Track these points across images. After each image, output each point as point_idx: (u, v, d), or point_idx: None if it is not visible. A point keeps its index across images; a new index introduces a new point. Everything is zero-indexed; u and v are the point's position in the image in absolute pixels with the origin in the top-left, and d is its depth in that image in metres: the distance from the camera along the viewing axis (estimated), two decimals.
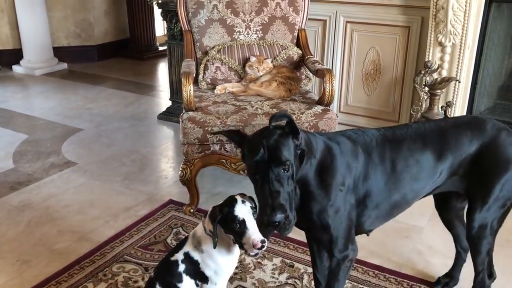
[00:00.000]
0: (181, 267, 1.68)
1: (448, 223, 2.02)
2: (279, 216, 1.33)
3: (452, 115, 2.76)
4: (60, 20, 5.89)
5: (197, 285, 1.70)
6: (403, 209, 1.74)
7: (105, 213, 2.64)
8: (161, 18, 3.92)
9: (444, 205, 1.97)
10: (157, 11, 6.82)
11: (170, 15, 3.79)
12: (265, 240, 1.54)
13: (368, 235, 1.77)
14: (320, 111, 2.54)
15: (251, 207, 1.59)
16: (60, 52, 5.87)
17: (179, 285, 1.68)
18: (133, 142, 3.67)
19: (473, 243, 1.77)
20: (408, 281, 2.10)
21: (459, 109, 2.84)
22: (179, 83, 3.99)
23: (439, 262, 2.25)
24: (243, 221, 1.55)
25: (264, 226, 1.38)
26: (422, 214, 2.63)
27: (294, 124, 1.41)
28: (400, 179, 1.64)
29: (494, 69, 3.04)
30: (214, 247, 1.60)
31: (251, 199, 1.65)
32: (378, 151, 1.62)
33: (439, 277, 2.09)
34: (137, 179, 3.06)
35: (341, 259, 1.59)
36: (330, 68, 3.08)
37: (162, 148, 3.60)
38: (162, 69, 6.18)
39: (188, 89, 2.46)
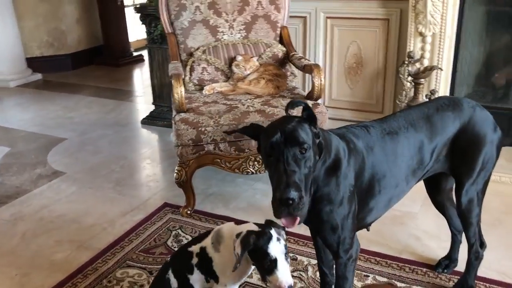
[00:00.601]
0: (195, 260, 1.69)
1: (440, 206, 2.09)
2: (293, 193, 1.29)
3: None
4: (32, 30, 5.78)
5: (207, 281, 1.70)
6: (401, 198, 1.79)
7: (101, 220, 2.61)
8: (140, 23, 3.89)
9: (435, 189, 2.05)
10: (130, 17, 6.81)
11: (149, 19, 3.77)
12: (292, 285, 1.51)
13: (368, 230, 1.82)
14: (311, 106, 2.57)
15: (285, 246, 1.55)
16: (33, 63, 5.76)
17: (189, 276, 1.69)
18: (119, 148, 3.64)
19: (464, 216, 1.86)
20: (409, 266, 2.16)
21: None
22: (161, 87, 3.98)
23: (436, 245, 2.31)
24: (275, 260, 1.51)
25: (277, 204, 1.32)
26: (414, 200, 2.70)
27: (311, 111, 1.41)
28: (401, 168, 1.68)
29: (471, 57, 3.14)
30: (233, 271, 1.57)
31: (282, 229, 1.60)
32: (380, 145, 1.65)
33: (440, 260, 2.15)
34: (128, 185, 3.04)
35: (347, 259, 1.61)
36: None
37: (149, 153, 3.58)
38: (139, 75, 6.15)
39: (180, 91, 2.46)
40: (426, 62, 2.89)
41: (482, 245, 1.95)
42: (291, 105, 1.45)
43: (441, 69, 2.82)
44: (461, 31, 2.94)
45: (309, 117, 1.41)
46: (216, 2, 3.01)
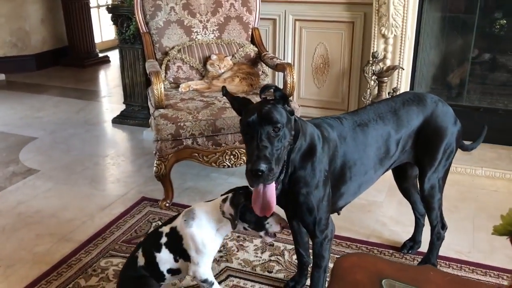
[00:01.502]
0: (163, 239, 1.80)
1: (405, 192, 2.28)
2: (262, 165, 1.43)
3: None
4: None
5: (176, 260, 1.80)
6: (370, 185, 1.96)
7: (80, 214, 2.66)
8: (108, 23, 3.94)
9: (401, 177, 2.23)
10: (96, 18, 6.80)
11: (121, 19, 3.83)
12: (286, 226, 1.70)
13: (339, 214, 1.97)
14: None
15: None
16: None
17: (156, 254, 1.79)
18: (92, 146, 3.68)
19: (427, 201, 2.06)
20: (377, 248, 2.33)
21: None
22: (132, 87, 4.05)
23: (401, 230, 2.51)
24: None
25: (249, 175, 1.47)
26: (379, 190, 2.90)
27: (282, 91, 1.56)
28: (370, 157, 1.84)
29: (428, 58, 3.38)
30: (234, 228, 1.73)
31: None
32: (352, 135, 1.80)
33: (405, 242, 2.34)
34: (104, 181, 3.10)
35: (323, 239, 1.75)
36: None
37: (122, 150, 3.63)
38: (105, 76, 6.15)
39: (159, 87, 2.56)
40: (388, 62, 3.10)
41: (443, 227, 2.15)
42: (263, 90, 1.60)
43: (402, 68, 3.03)
44: (419, 34, 3.17)
45: (281, 97, 1.55)
46: (191, 3, 3.12)
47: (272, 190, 1.54)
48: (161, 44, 3.09)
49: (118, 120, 4.14)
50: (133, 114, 4.09)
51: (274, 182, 1.53)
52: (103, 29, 7.29)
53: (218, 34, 3.18)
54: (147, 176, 3.12)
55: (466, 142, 2.16)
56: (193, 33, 3.13)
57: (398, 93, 3.05)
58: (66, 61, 6.27)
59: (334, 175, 1.76)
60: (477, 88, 3.34)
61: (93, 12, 6.56)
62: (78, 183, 3.04)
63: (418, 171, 2.05)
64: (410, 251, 2.30)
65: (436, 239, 2.13)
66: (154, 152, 3.43)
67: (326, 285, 1.83)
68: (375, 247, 2.34)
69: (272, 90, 1.58)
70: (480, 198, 2.82)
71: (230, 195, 1.78)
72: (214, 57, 3.00)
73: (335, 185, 1.78)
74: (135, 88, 4.02)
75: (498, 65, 3.33)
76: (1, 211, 2.70)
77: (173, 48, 3.06)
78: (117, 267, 2.18)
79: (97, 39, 6.74)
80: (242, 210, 1.70)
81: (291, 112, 1.57)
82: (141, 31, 3.14)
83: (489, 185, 2.92)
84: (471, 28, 3.19)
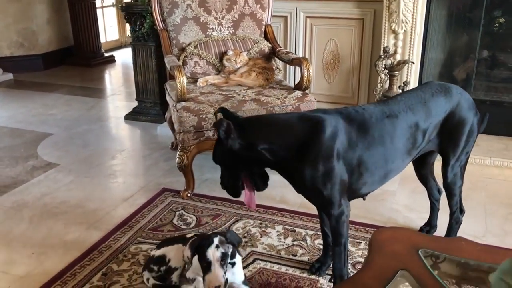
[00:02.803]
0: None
1: (423, 178, 2.38)
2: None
3: None
4: (2, 29, 5.77)
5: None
6: (397, 173, 2.04)
7: (104, 204, 2.75)
8: (125, 21, 4.03)
9: (421, 163, 2.33)
10: (101, 18, 6.87)
11: (134, 17, 3.92)
12: (220, 286, 1.68)
13: (364, 199, 2.08)
14: (301, 95, 2.83)
15: (223, 253, 1.72)
16: (3, 63, 5.74)
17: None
18: (107, 141, 3.76)
19: (449, 188, 2.16)
20: None
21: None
22: (145, 83, 4.13)
23: (416, 216, 2.61)
24: (210, 263, 1.71)
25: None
26: (392, 180, 2.94)
27: (223, 121, 1.76)
28: (398, 148, 1.91)
29: (436, 54, 3.49)
30: (186, 271, 1.83)
31: (232, 237, 1.78)
32: (378, 126, 1.86)
33: (421, 227, 2.44)
34: (123, 174, 3.18)
35: (338, 215, 1.83)
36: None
37: (138, 145, 3.72)
38: (112, 75, 6.23)
39: (182, 81, 2.65)
40: (398, 57, 3.21)
41: (462, 211, 2.26)
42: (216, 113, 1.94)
43: (413, 62, 3.14)
44: (427, 30, 3.28)
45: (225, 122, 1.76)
46: (206, 1, 3.21)
47: None
48: (178, 41, 3.18)
49: (131, 117, 4.22)
50: (146, 111, 4.17)
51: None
52: (108, 29, 7.37)
53: (233, 30, 3.27)
54: (165, 169, 3.21)
55: None
56: (208, 30, 3.23)
57: (408, 87, 3.16)
58: (72, 60, 6.34)
59: (353, 164, 1.82)
60: (483, 82, 3.46)
61: (100, 12, 6.63)
62: (98, 176, 3.12)
63: (442, 160, 2.13)
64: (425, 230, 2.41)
65: (455, 223, 2.24)
66: (170, 146, 3.55)
67: (347, 263, 1.93)
68: None
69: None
70: (489, 187, 2.93)
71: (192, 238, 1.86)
72: (230, 52, 3.10)
73: (358, 173, 1.85)
74: (148, 85, 4.10)
75: (503, 60, 3.45)
76: (27, 203, 2.78)
77: (189, 44, 3.15)
78: (146, 253, 2.26)
79: (102, 39, 6.81)
80: (198, 253, 1.75)
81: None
82: (158, 28, 3.23)
83: (497, 175, 3.03)
84: (477, 25, 3.31)
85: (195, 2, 3.19)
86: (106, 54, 6.65)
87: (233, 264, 1.83)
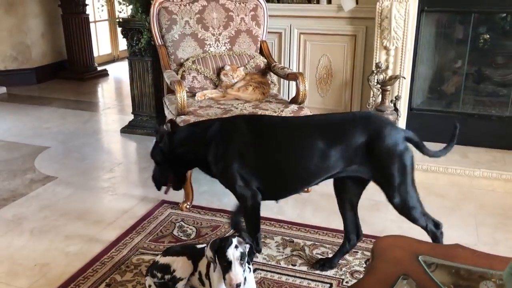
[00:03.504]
0: None
1: (341, 207, 2.26)
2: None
3: (399, 108, 3.26)
4: None
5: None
6: (305, 185, 2.24)
7: (104, 216, 2.79)
8: (122, 36, 4.10)
9: (341, 191, 2.24)
10: (94, 33, 6.93)
11: (131, 33, 3.99)
12: (240, 284, 1.75)
13: (277, 202, 2.45)
14: (297, 109, 2.91)
15: (242, 253, 1.79)
16: None
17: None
18: (104, 154, 3.80)
19: (406, 216, 2.11)
20: None
21: (404, 102, 3.36)
22: (141, 97, 4.19)
23: (408, 226, 2.66)
24: (230, 262, 1.77)
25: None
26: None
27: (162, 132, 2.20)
28: (302, 160, 2.02)
29: (425, 69, 3.61)
30: (214, 271, 1.87)
31: (248, 238, 1.86)
32: (279, 134, 2.09)
33: (318, 259, 2.34)
34: (122, 186, 3.22)
35: (241, 201, 2.14)
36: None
37: (135, 158, 3.77)
38: (106, 88, 6.28)
39: (182, 95, 2.72)
40: (389, 72, 3.31)
41: (437, 225, 2.14)
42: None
43: (404, 77, 3.25)
44: (417, 46, 3.40)
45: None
46: (204, 18, 3.30)
47: None
48: (176, 56, 3.25)
49: (127, 130, 4.27)
50: (142, 124, 4.23)
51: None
52: (100, 43, 7.43)
53: (229, 46, 3.36)
54: None
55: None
56: (206, 46, 3.31)
57: (400, 101, 3.26)
58: (65, 74, 6.38)
59: (255, 166, 2.08)
60: (471, 96, 3.58)
61: (93, 26, 6.69)
62: (97, 188, 3.16)
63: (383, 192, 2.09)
64: (320, 268, 2.28)
65: (434, 238, 2.13)
66: None
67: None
68: None
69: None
70: (479, 198, 3.03)
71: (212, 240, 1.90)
72: (227, 67, 3.18)
73: (261, 176, 2.09)
74: (144, 99, 4.17)
75: (489, 75, 3.58)
76: (27, 216, 2.81)
77: (187, 59, 3.22)
78: (148, 263, 2.30)
79: (95, 53, 6.87)
80: (217, 254, 1.80)
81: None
82: (157, 44, 3.30)
83: (486, 185, 3.13)
84: (465, 41, 3.43)
85: (193, 19, 3.28)
86: (99, 68, 6.70)
87: (249, 269, 1.90)
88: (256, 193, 2.11)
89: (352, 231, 2.27)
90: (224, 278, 1.80)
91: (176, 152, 2.22)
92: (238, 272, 1.77)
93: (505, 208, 2.89)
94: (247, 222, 2.19)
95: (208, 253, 1.86)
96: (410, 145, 2.06)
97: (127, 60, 4.19)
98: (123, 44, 7.95)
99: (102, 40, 7.53)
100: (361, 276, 2.22)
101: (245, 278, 1.79)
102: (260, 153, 2.08)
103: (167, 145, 2.20)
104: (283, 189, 2.17)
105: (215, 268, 1.86)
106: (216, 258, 1.82)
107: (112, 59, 7.68)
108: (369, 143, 1.97)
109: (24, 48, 6.00)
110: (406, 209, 2.08)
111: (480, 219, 2.77)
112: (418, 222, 2.12)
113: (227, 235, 1.99)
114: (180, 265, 2.00)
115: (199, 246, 2.14)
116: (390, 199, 2.08)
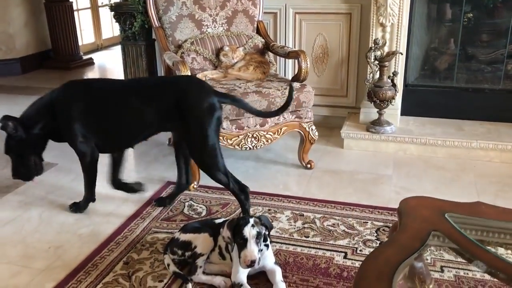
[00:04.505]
0: None
1: (176, 156, 2.62)
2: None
3: (397, 83, 3.32)
4: None
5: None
6: (134, 140, 2.50)
7: (112, 199, 2.78)
8: (114, 20, 4.05)
9: (177, 145, 2.60)
10: (78, 21, 6.81)
11: (124, 17, 3.95)
12: (255, 261, 1.83)
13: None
14: (299, 86, 2.94)
15: (258, 232, 1.86)
16: None
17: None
18: None
19: (207, 172, 2.37)
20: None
21: (400, 78, 3.42)
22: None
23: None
24: (246, 240, 1.84)
25: None
26: (387, 165, 3.16)
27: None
28: (120, 118, 2.35)
29: (418, 46, 3.67)
30: (232, 250, 1.93)
31: (265, 221, 1.94)
32: (108, 96, 2.37)
33: (158, 198, 2.74)
34: (126, 170, 3.14)
35: (81, 157, 2.50)
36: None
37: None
38: (92, 77, 6.19)
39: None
40: (386, 49, 3.36)
41: (243, 188, 2.37)
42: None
43: (401, 53, 3.30)
44: (411, 22, 3.45)
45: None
46: None
47: None
48: (174, 38, 3.24)
49: None
50: None
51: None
52: (83, 32, 7.31)
53: (227, 27, 3.36)
54: (165, 164, 3.26)
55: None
56: (203, 27, 3.30)
57: (397, 77, 3.32)
58: (50, 64, 6.27)
59: (90, 124, 2.38)
60: (465, 71, 3.66)
61: (76, 14, 6.58)
62: (99, 173, 3.12)
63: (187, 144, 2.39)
64: (157, 205, 2.68)
65: (239, 200, 2.39)
66: (167, 142, 3.60)
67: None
68: (395, 212, 2.57)
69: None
70: (477, 168, 3.12)
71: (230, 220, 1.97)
72: (227, 48, 3.18)
73: (92, 133, 2.42)
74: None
75: (482, 52, 3.66)
76: (34, 201, 2.79)
77: (185, 41, 3.21)
78: (164, 241, 2.32)
79: (80, 42, 6.77)
80: (234, 232, 1.87)
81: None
82: (154, 25, 3.28)
83: (483, 156, 3.22)
84: (458, 18, 3.50)
85: (190, 0, 3.26)
86: (84, 57, 6.60)
87: (267, 246, 1.95)
88: (94, 149, 2.46)
89: (183, 178, 2.66)
90: (239, 256, 1.85)
91: (33, 133, 2.44)
92: (253, 249, 1.82)
93: (503, 177, 2.98)
94: (86, 175, 2.55)
95: (225, 233, 1.90)
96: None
97: (120, 45, 4.16)
98: (106, 32, 7.85)
99: (86, 29, 7.41)
100: (373, 244, 2.29)
101: (259, 258, 1.84)
102: (94, 114, 2.36)
103: (22, 131, 2.41)
104: (117, 144, 2.52)
105: (232, 248, 1.90)
106: (233, 237, 1.85)
107: (96, 48, 7.56)
108: (177, 102, 2.25)
109: (7, 38, 5.87)
110: (206, 165, 2.35)
111: (481, 188, 2.85)
112: (219, 180, 2.35)
113: (242, 215, 2.01)
114: (201, 241, 2.03)
115: (217, 221, 2.17)
116: (192, 154, 2.41)
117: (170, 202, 2.68)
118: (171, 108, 2.26)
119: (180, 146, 2.56)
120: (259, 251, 1.84)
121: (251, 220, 1.89)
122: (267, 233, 1.93)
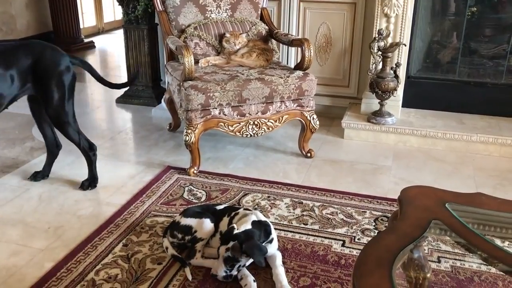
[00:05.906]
0: None
1: (40, 126, 2.73)
2: None
3: (399, 75, 3.31)
4: None
5: None
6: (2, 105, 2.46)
7: (113, 182, 2.79)
8: (117, 3, 4.02)
9: (36, 111, 2.68)
10: (80, 3, 6.76)
11: (126, 0, 3.92)
12: (216, 276, 1.89)
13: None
14: (302, 75, 2.94)
15: (229, 257, 1.85)
16: None
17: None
18: (102, 124, 3.78)
19: (60, 130, 2.59)
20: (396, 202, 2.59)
21: (402, 70, 3.42)
22: (137, 67, 4.14)
23: None
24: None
25: None
26: (387, 157, 3.17)
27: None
28: None
29: (421, 37, 3.66)
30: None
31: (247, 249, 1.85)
32: None
33: (35, 172, 2.83)
34: (126, 154, 3.22)
35: None
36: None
37: (134, 127, 3.74)
38: (93, 60, 6.16)
39: (190, 60, 2.70)
40: (389, 40, 3.35)
41: (92, 147, 2.69)
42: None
43: (404, 44, 3.30)
44: (416, 15, 3.44)
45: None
46: None
47: None
48: (177, 22, 3.22)
49: (122, 100, 4.23)
50: (138, 94, 4.19)
51: None
52: (85, 15, 7.26)
53: (231, 13, 3.34)
54: (166, 149, 3.27)
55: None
56: (207, 12, 3.29)
57: (400, 68, 3.32)
58: None
59: None
60: (467, 65, 3.65)
61: None
62: (99, 155, 3.11)
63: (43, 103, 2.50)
64: (33, 179, 2.79)
65: (87, 157, 2.69)
66: (167, 127, 3.60)
67: None
68: (394, 202, 2.59)
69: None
70: (476, 161, 3.13)
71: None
72: (228, 34, 3.17)
73: None
74: (140, 68, 4.12)
75: (485, 47, 3.65)
76: (33, 182, 2.79)
77: (189, 26, 3.20)
78: (163, 225, 2.33)
79: (82, 24, 6.72)
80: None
81: None
82: (158, 9, 3.26)
83: (482, 150, 3.23)
84: (462, 11, 3.49)
85: None
86: (85, 40, 6.57)
87: (271, 241, 1.98)
88: None
89: (52, 144, 2.79)
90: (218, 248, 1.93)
91: None
92: (218, 265, 1.90)
93: (502, 171, 3.00)
94: None
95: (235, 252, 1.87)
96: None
97: (121, 29, 4.12)
98: (108, 16, 7.80)
99: (87, 12, 7.36)
100: (372, 233, 2.30)
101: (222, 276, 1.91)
102: None
103: None
104: None
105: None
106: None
107: (97, 31, 7.52)
108: (33, 64, 2.38)
109: (9, 18, 5.83)
110: (60, 123, 2.55)
111: (479, 181, 2.87)
112: (71, 138, 2.60)
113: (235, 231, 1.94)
114: (202, 226, 2.04)
115: (218, 207, 2.18)
116: (46, 112, 2.52)
117: (48, 173, 2.83)
118: (29, 70, 2.38)
119: (40, 114, 2.65)
120: (227, 271, 1.88)
121: (231, 243, 1.86)
122: (246, 263, 1.92)
